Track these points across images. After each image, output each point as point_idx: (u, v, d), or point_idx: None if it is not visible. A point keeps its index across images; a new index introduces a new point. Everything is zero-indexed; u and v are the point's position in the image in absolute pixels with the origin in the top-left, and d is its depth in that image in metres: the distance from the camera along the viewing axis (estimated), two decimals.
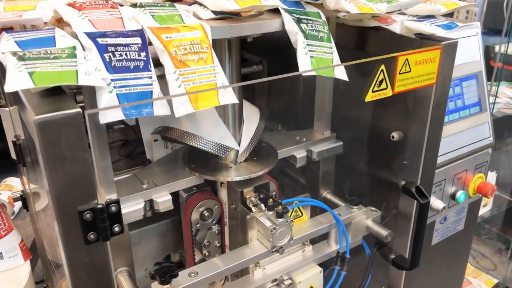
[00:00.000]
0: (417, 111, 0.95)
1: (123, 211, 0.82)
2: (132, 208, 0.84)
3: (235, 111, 0.93)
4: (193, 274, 0.82)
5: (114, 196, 0.74)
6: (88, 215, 0.56)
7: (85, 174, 0.55)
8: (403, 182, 0.97)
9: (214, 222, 1.01)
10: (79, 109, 0.52)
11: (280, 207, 0.86)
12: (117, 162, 1.15)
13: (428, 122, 0.93)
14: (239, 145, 0.94)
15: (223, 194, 1.00)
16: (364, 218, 1.02)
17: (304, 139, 1.08)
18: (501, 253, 2.17)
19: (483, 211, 1.76)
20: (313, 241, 1.01)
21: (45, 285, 1.48)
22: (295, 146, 1.06)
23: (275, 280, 0.93)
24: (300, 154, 1.06)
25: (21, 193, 1.29)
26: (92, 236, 0.57)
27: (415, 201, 0.98)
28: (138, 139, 1.10)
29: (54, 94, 0.57)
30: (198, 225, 0.98)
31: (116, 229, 0.59)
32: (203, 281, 0.82)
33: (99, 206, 0.56)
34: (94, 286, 0.61)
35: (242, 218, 0.94)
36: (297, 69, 0.74)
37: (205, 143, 0.91)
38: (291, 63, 0.77)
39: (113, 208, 0.58)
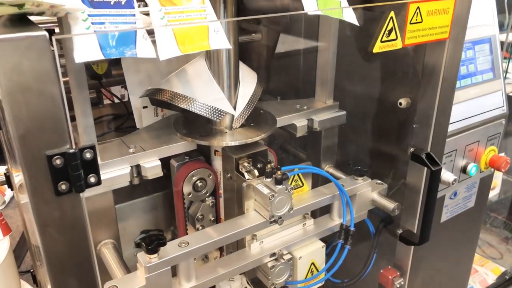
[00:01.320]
0: (428, 72, 0.88)
1: (107, 176, 0.77)
2: (117, 173, 0.77)
3: (230, 71, 0.85)
4: (183, 244, 0.74)
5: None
6: (58, 161, 0.49)
7: (55, 112, 0.47)
8: (412, 149, 0.90)
9: (208, 194, 0.93)
10: (45, 32, 0.45)
11: (279, 172, 0.79)
12: (105, 135, 1.08)
13: (440, 82, 0.86)
14: (234, 109, 0.87)
15: (218, 163, 0.93)
16: (370, 190, 0.95)
17: (305, 107, 1.01)
18: (507, 241, 2.10)
19: (491, 194, 1.69)
20: (315, 216, 0.94)
21: (31, 270, 1.42)
22: (295, 114, 0.98)
23: (274, 254, 0.86)
24: (300, 122, 0.99)
25: (5, 172, 1.22)
26: (63, 187, 0.50)
27: (425, 171, 0.91)
28: (130, 113, 1.03)
29: (20, 24, 0.49)
30: (190, 196, 0.91)
31: (92, 179, 0.52)
32: (194, 252, 0.74)
33: (71, 151, 0.49)
34: (68, 247, 0.54)
35: (237, 187, 0.86)
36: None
37: (198, 105, 0.83)
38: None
39: (88, 155, 0.50)
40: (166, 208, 1.00)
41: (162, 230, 0.72)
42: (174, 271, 0.76)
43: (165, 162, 0.92)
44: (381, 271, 1.06)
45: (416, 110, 0.91)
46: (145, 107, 0.97)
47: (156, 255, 0.71)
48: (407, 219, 0.98)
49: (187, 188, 0.90)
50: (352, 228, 0.89)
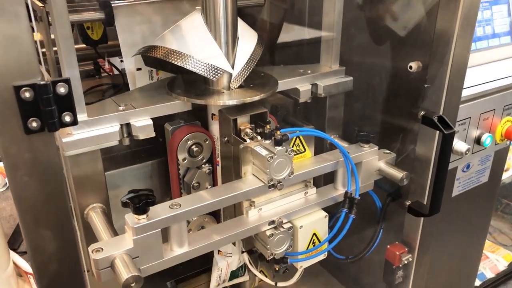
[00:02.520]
0: (440, 31, 0.81)
1: (94, 134, 0.72)
2: (105, 131, 0.72)
3: (228, 26, 0.80)
4: (175, 206, 0.69)
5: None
6: (27, 94, 0.44)
7: (20, 36, 0.42)
8: (423, 112, 0.83)
9: (204, 160, 0.88)
10: None
11: (278, 133, 0.74)
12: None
13: (454, 42, 0.80)
14: (232, 68, 0.81)
15: (215, 128, 0.87)
16: (376, 159, 0.89)
17: (309, 71, 0.95)
18: None
19: (504, 176, 1.62)
20: (318, 185, 0.89)
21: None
22: (298, 78, 0.93)
23: (272, 222, 0.80)
24: (304, 87, 0.93)
25: None
26: (34, 124, 0.45)
27: (436, 136, 0.85)
28: (126, 84, 0.97)
29: None
30: (185, 162, 0.86)
31: (67, 118, 0.47)
32: (186, 214, 0.69)
33: (42, 83, 0.44)
34: (41, 193, 0.49)
35: (235, 152, 0.81)
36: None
37: (193, 63, 0.78)
38: None
39: (62, 90, 0.45)
40: (162, 177, 0.95)
41: (152, 190, 0.67)
42: (165, 237, 0.72)
43: (161, 129, 0.88)
44: (388, 246, 1.00)
45: (428, 73, 0.85)
46: (139, 69, 0.92)
47: (144, 216, 0.66)
48: (417, 190, 0.92)
49: (182, 154, 0.85)
50: (357, 197, 0.83)
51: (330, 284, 1.03)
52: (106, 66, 1.34)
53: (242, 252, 0.96)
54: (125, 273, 0.61)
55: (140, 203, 0.65)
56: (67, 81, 0.45)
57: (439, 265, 1.08)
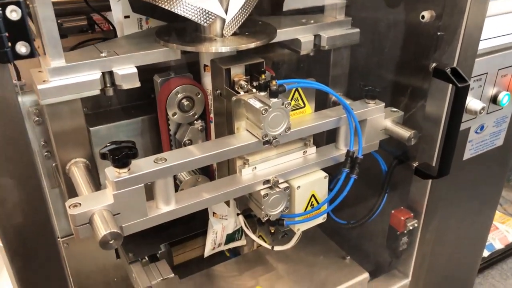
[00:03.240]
0: None
1: (74, 81, 0.66)
2: (85, 78, 0.66)
3: None
4: (160, 161, 0.64)
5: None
6: None
7: None
8: (434, 64, 0.76)
9: (196, 116, 0.82)
10: None
11: (274, 82, 0.67)
12: None
13: None
14: (226, 12, 0.74)
15: (207, 81, 0.81)
16: (382, 116, 0.83)
17: (312, 21, 0.87)
18: None
19: None
20: (318, 145, 0.83)
21: None
22: (300, 27, 0.85)
23: (268, 181, 0.75)
24: (305, 38, 0.86)
25: None
26: None
27: (448, 92, 0.77)
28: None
29: None
30: (176, 117, 0.80)
31: (22, 49, 0.41)
32: (172, 169, 0.64)
33: None
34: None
35: (228, 106, 0.75)
36: None
37: (183, 6, 0.71)
38: None
39: (14, 15, 0.39)
40: (153, 135, 0.90)
41: (134, 142, 0.62)
42: (151, 196, 0.67)
43: (151, 85, 0.82)
44: (392, 211, 0.94)
45: (442, 22, 0.77)
46: (126, 16, 0.85)
47: (126, 169, 0.61)
48: (425, 151, 0.86)
49: (171, 108, 0.79)
50: (360, 156, 0.77)
51: (330, 250, 0.99)
52: (105, 25, 1.28)
53: (238, 214, 0.92)
54: (103, 229, 0.57)
55: (120, 154, 0.59)
56: (18, 4, 0.39)
57: (446, 233, 1.02)
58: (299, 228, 0.82)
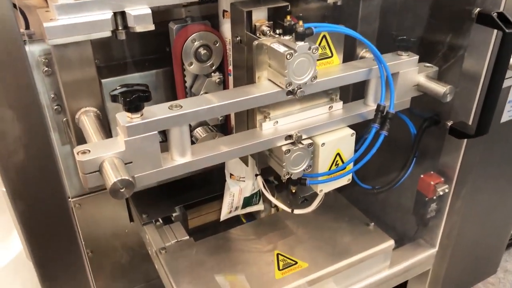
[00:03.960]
0: None
1: (82, 20, 0.60)
2: (95, 17, 0.61)
3: None
4: (175, 107, 0.59)
5: None
6: None
7: None
8: (478, 9, 0.68)
9: (214, 67, 0.77)
10: None
11: (300, 23, 0.61)
12: None
13: None
14: None
15: (226, 28, 0.75)
16: (416, 71, 0.76)
17: None
18: None
19: None
20: (345, 101, 0.76)
21: None
22: None
23: (290, 137, 0.69)
24: None
25: None
26: None
27: (491, 42, 0.70)
28: None
29: None
30: (193, 67, 0.75)
31: None
32: (187, 117, 0.59)
33: None
34: None
35: (248, 55, 0.69)
36: None
37: None
38: None
39: None
40: (168, 90, 0.85)
41: (147, 86, 0.57)
42: (166, 149, 0.62)
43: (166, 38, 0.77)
44: (422, 176, 0.88)
45: None
46: None
47: (138, 114, 0.56)
48: (460, 109, 0.79)
49: (187, 57, 0.74)
50: (391, 111, 0.71)
51: (353, 216, 0.94)
52: None
53: (256, 175, 0.87)
54: (113, 176, 0.53)
55: (132, 97, 0.54)
56: None
57: (477, 202, 0.96)
58: (322, 189, 0.77)
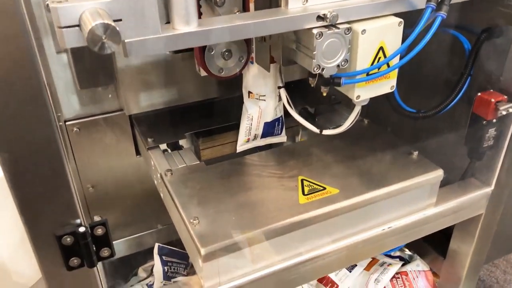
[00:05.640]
0: None
1: None
2: None
3: None
4: None
5: None
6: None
7: None
8: None
9: None
10: None
11: None
12: None
13: None
14: None
15: None
16: None
17: None
18: None
19: None
20: None
21: None
22: None
23: (322, 17, 0.56)
24: None
25: None
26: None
27: None
28: None
29: None
30: None
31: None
32: None
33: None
34: None
35: None
36: None
37: None
38: None
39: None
40: None
41: None
42: None
43: None
44: (479, 94, 0.73)
45: None
46: None
47: None
48: None
49: None
50: None
51: (392, 144, 0.80)
52: None
53: (279, 87, 0.74)
54: (92, 20, 0.40)
55: None
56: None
57: None
58: (360, 96, 0.63)
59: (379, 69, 0.60)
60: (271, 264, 0.65)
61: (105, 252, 0.48)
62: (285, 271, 0.66)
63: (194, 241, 0.60)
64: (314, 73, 0.58)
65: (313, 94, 1.01)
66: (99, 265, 0.52)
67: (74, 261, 0.47)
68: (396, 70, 0.63)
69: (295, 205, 0.65)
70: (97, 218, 0.49)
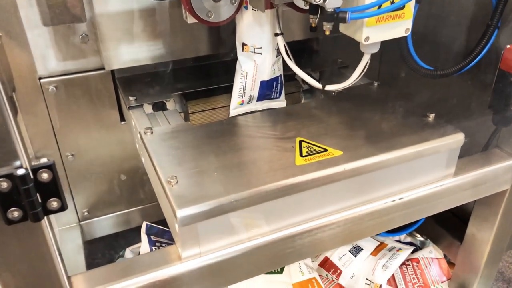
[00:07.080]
0: None
1: None
2: None
3: None
4: None
5: None
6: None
7: None
8: None
9: None
10: None
11: None
12: None
13: None
14: None
15: None
16: None
17: None
18: None
19: None
20: None
21: None
22: None
23: None
24: None
25: None
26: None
27: None
28: None
29: None
30: None
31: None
32: None
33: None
34: None
35: None
36: None
37: None
38: None
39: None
40: None
41: None
42: None
43: None
44: (508, 46, 0.63)
45: None
46: None
47: None
48: None
49: None
50: None
51: (406, 107, 0.70)
52: None
53: (276, 34, 0.65)
54: None
55: None
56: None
57: None
58: (369, 37, 0.54)
59: (392, 1, 0.51)
60: (261, 234, 0.56)
61: (53, 203, 0.39)
62: (278, 243, 0.57)
63: (170, 202, 0.51)
64: (316, 3, 0.49)
65: (318, 58, 0.91)
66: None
67: (14, 213, 0.39)
68: (412, 8, 0.54)
69: (290, 166, 0.56)
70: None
